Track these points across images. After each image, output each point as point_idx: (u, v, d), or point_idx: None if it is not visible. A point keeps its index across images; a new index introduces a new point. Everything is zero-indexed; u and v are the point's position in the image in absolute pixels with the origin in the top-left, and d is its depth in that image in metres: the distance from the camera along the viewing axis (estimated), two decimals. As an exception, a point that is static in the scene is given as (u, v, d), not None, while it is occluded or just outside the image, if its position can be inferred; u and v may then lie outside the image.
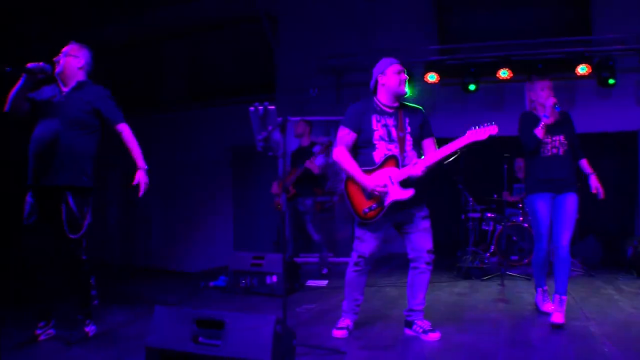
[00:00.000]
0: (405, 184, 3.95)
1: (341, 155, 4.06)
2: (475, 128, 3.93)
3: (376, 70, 4.17)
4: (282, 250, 4.26)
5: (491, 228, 8.12)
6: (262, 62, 11.03)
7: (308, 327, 4.47)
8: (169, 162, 11.40)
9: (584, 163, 4.80)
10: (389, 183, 3.95)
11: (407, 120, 4.12)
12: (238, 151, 10.86)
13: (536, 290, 4.96)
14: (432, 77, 9.05)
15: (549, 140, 4.64)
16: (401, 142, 4.06)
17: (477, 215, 8.20)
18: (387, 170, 3.98)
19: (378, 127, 4.06)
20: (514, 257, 7.55)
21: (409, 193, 3.92)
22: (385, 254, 9.29)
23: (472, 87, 9.05)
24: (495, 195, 8.37)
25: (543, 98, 4.63)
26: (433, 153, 4.05)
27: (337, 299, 5.44)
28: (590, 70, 8.41)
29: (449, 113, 9.70)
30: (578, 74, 8.48)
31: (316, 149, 7.13)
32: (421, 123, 4.16)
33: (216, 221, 11.31)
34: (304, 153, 7.19)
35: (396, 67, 4.11)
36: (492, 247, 7.81)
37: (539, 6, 9.70)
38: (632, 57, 8.58)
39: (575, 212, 4.61)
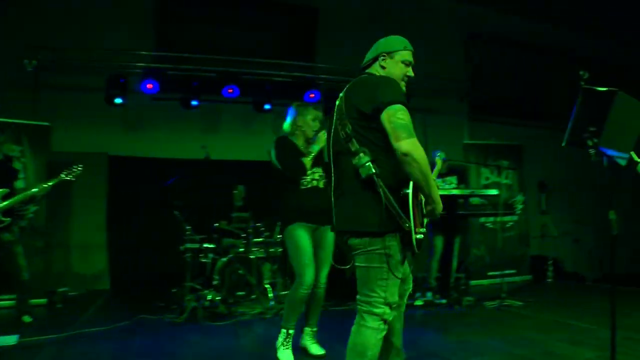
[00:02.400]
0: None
1: (421, 151, 2.63)
2: None
3: (382, 46, 3.04)
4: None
5: (211, 261, 7.29)
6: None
7: None
8: None
9: None
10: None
11: None
12: None
13: (280, 332, 4.36)
14: (150, 87, 7.97)
15: (309, 172, 4.38)
16: None
17: (196, 246, 7.30)
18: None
19: None
20: (240, 293, 6.83)
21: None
22: (84, 292, 7.96)
23: (194, 102, 8.26)
24: (217, 224, 7.65)
25: (311, 129, 4.45)
26: None
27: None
28: (320, 98, 8.39)
29: (167, 130, 8.76)
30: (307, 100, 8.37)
31: None
32: None
33: None
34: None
35: (408, 54, 3.02)
36: (214, 281, 6.97)
37: (268, 27, 9.34)
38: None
39: (333, 247, 4.42)
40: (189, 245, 6.97)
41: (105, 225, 8.57)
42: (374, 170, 2.66)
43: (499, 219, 8.30)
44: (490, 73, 10.87)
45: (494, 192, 7.41)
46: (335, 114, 2.97)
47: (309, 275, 4.13)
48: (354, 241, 2.79)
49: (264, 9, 9.21)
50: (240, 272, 6.94)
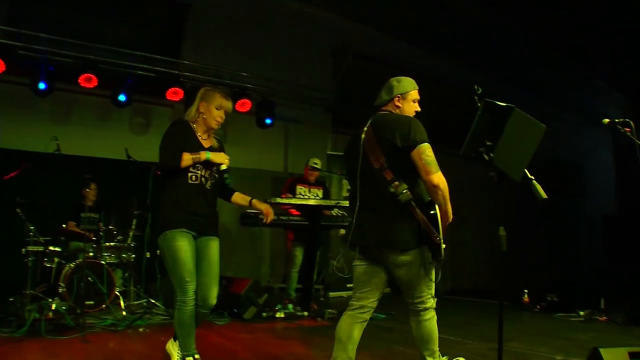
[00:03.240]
0: None
1: (445, 182, 3.26)
2: None
3: (397, 88, 3.55)
4: None
5: (56, 266, 6.63)
6: None
7: None
8: None
9: (237, 194, 4.15)
10: None
11: None
12: None
13: None
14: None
15: (200, 167, 3.84)
16: None
17: (40, 248, 6.58)
18: None
19: None
20: (89, 303, 6.26)
21: None
22: None
23: (42, 85, 7.43)
24: (65, 225, 7.04)
25: (213, 119, 3.90)
26: None
27: None
28: (183, 97, 7.97)
29: (13, 117, 7.89)
30: (169, 98, 7.91)
31: None
32: None
33: None
34: None
35: (416, 93, 3.60)
36: (59, 289, 6.33)
37: (135, 18, 8.58)
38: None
39: (219, 260, 3.95)
40: (31, 248, 6.35)
41: None
42: (411, 196, 3.22)
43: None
44: (355, 88, 10.99)
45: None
46: (361, 147, 3.43)
47: (190, 291, 3.69)
48: (402, 258, 3.29)
49: (134, -1, 8.57)
50: (89, 279, 6.37)
